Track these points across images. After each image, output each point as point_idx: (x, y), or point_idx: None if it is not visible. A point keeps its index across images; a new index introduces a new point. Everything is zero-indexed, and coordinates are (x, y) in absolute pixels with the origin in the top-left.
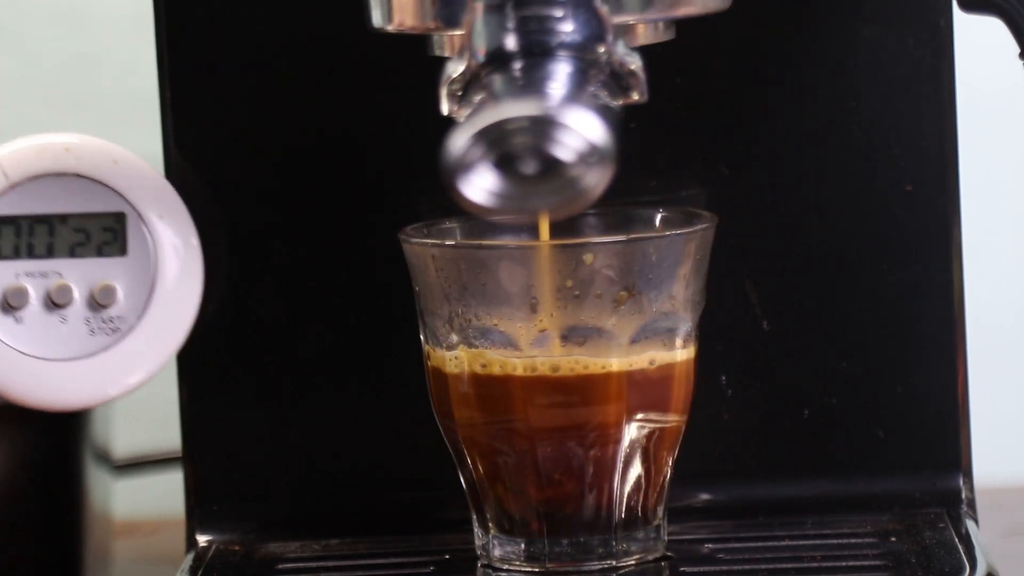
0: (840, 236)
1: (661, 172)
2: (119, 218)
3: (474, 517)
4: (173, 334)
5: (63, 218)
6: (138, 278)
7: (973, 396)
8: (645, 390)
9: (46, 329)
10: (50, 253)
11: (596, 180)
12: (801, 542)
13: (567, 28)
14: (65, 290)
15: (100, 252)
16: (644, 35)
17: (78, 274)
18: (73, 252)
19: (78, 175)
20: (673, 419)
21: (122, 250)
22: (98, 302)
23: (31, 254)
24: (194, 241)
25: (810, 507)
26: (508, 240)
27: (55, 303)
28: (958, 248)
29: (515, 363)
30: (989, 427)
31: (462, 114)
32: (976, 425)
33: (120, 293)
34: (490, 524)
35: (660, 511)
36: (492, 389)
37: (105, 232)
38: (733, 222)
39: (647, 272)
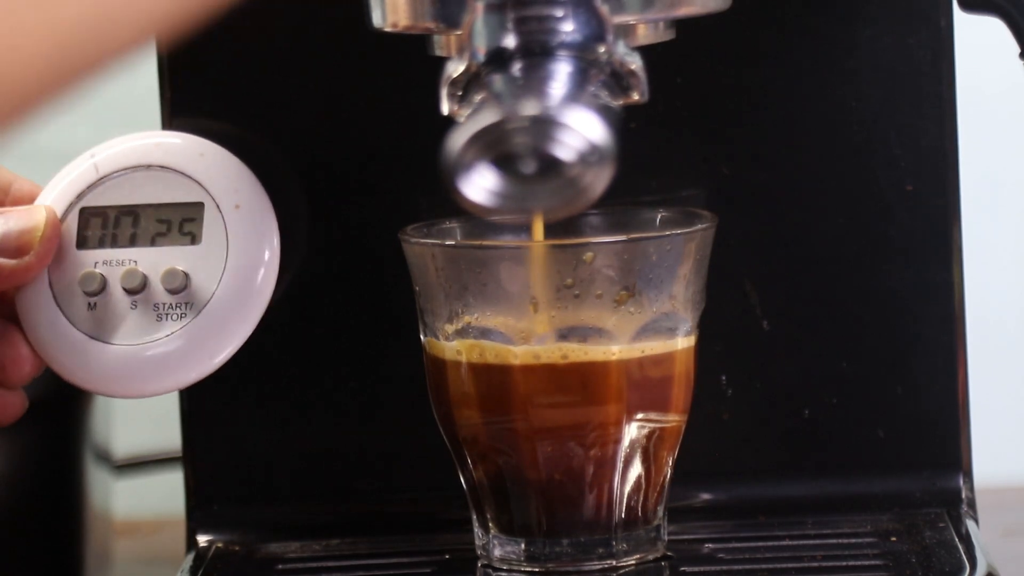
0: (840, 236)
1: (661, 172)
2: (197, 207)
3: (474, 517)
4: (242, 321)
5: (147, 208)
6: (210, 266)
7: (973, 396)
8: (645, 390)
9: (117, 316)
10: (132, 243)
11: (596, 180)
12: (801, 542)
13: (567, 28)
14: (136, 276)
15: (176, 240)
16: (644, 35)
17: (151, 261)
18: (153, 241)
19: (164, 167)
20: (673, 419)
21: (197, 238)
22: (168, 289)
23: (114, 243)
24: (270, 230)
25: (810, 507)
26: (508, 240)
27: (127, 290)
28: (958, 248)
29: (515, 363)
30: (989, 427)
31: (462, 114)
32: (976, 425)
33: (190, 280)
34: (490, 524)
35: (660, 511)
36: (492, 389)
37: (184, 222)
38: (733, 222)
39: (647, 272)
